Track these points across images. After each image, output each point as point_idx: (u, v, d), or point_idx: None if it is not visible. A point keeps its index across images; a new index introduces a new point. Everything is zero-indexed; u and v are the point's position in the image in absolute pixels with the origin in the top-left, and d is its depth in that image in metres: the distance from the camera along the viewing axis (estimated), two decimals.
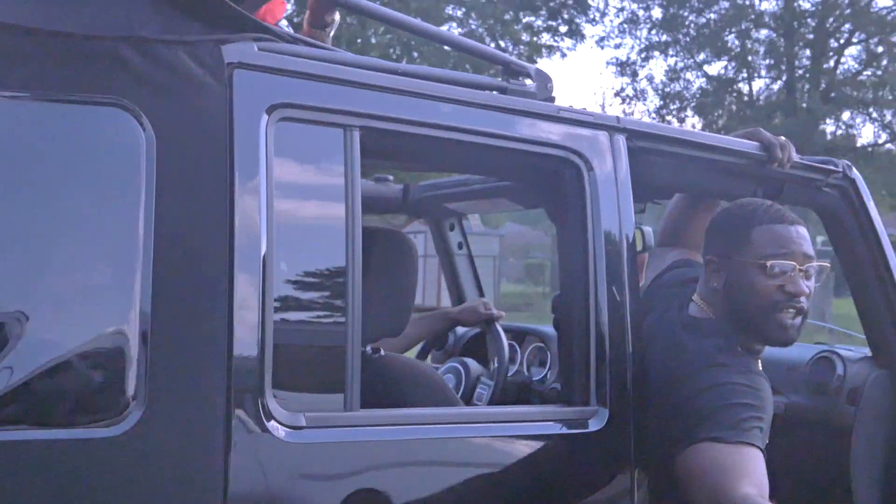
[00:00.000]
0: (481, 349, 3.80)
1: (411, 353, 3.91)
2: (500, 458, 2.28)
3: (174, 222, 1.85)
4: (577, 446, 2.38)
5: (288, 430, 1.93)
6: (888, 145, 27.72)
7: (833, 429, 3.15)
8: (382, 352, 2.55)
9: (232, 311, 1.88)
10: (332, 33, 2.62)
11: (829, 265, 2.63)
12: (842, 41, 27.03)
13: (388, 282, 2.50)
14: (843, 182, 3.02)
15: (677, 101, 28.28)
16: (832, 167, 2.98)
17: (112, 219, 1.84)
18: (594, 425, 2.36)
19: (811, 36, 26.76)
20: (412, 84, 2.18)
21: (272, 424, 1.91)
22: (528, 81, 2.41)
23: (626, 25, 27.99)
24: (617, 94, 29.61)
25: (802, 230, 2.58)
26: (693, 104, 28.10)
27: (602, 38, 29.18)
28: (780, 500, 3.16)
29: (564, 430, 2.37)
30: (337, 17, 2.62)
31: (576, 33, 24.43)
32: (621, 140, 2.51)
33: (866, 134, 29.46)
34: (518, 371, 3.87)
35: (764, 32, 27.35)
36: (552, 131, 2.39)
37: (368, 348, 2.53)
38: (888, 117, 27.07)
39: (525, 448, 2.32)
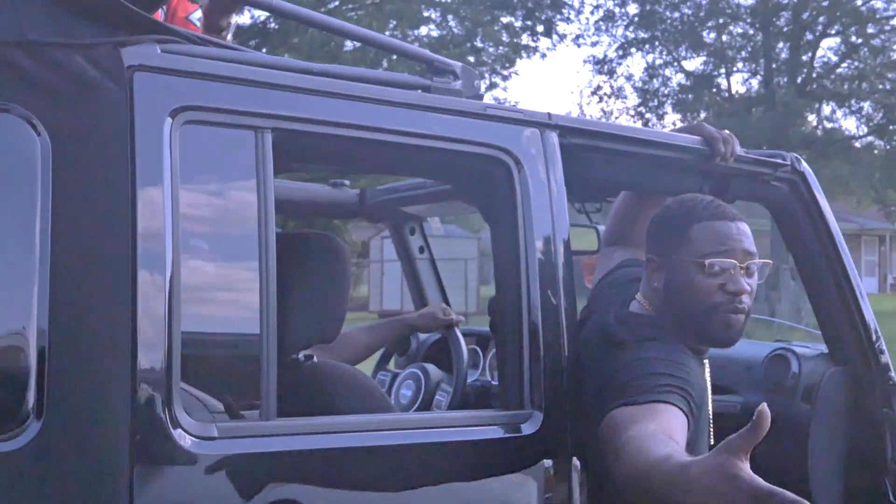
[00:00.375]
0: (444, 354, 3.74)
1: (372, 360, 3.87)
2: (428, 465, 2.22)
3: (72, 230, 1.80)
4: (511, 450, 2.32)
5: (198, 440, 1.88)
6: (868, 138, 27.58)
7: (789, 427, 3.09)
8: (315, 359, 2.50)
9: (135, 320, 1.82)
10: (228, 37, 2.58)
11: (769, 262, 2.56)
12: (817, 33, 27.00)
13: (317, 287, 2.45)
14: (793, 175, 2.96)
15: (656, 99, 28.20)
16: (780, 160, 2.93)
17: (7, 227, 1.79)
18: (528, 429, 2.31)
19: (787, 29, 26.72)
20: (326, 84, 2.13)
21: (180, 435, 1.86)
22: (454, 79, 2.36)
23: (602, 23, 28.00)
24: (594, 93, 29.51)
25: (744, 226, 2.49)
26: (672, 101, 28.04)
27: (578, 37, 29.18)
28: None
29: (497, 435, 2.31)
30: (234, 20, 2.57)
31: (551, 32, 24.53)
32: (553, 137, 2.45)
33: (849, 127, 29.61)
34: (480, 376, 3.82)
35: (740, 28, 27.35)
36: (479, 129, 2.34)
37: (301, 355, 2.47)
38: (868, 110, 27.00)
39: (456, 454, 2.26)
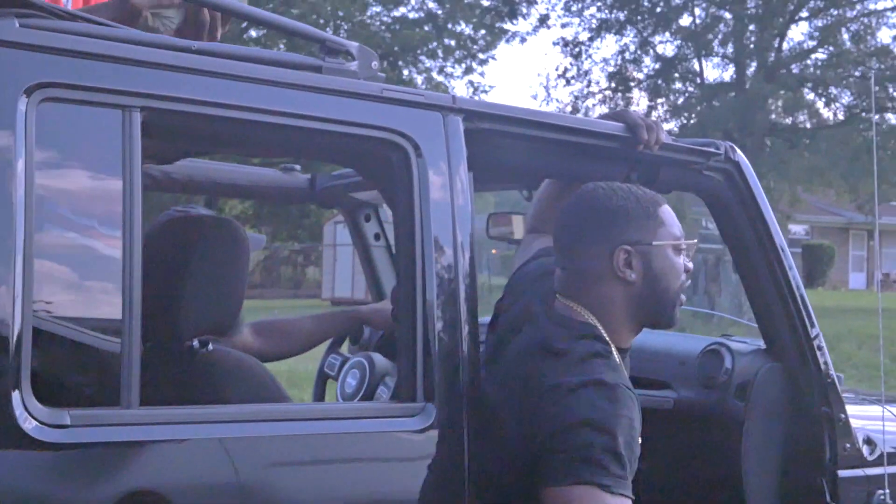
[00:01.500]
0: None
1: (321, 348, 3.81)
2: (310, 457, 2.16)
3: None
4: (401, 444, 2.26)
5: (48, 428, 1.82)
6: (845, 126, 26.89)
7: (722, 424, 3.01)
8: (210, 346, 2.43)
9: None
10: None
11: (695, 241, 2.48)
12: (787, 18, 26.61)
13: (214, 274, 2.39)
14: (727, 165, 2.87)
15: (625, 82, 27.82)
16: (713, 150, 2.84)
17: None
18: (418, 423, 2.24)
19: (757, 11, 26.35)
20: (203, 62, 2.06)
21: (28, 423, 1.80)
22: (350, 60, 2.28)
23: (571, 3, 27.72)
24: (561, 76, 29.16)
25: None
26: (642, 84, 27.67)
27: (545, 18, 28.82)
28: (670, 495, 3.04)
29: (386, 428, 2.25)
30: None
31: (516, 13, 24.54)
32: (457, 122, 2.37)
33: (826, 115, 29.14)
34: None
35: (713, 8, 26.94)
36: (374, 112, 2.26)
37: (195, 342, 2.41)
38: (845, 97, 26.59)
39: (342, 446, 2.20)
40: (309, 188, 3.83)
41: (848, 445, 3.03)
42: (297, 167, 3.88)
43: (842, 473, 3.01)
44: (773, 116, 27.48)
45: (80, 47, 1.92)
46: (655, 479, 2.99)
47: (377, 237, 4.12)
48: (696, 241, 2.43)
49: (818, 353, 2.99)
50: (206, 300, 2.36)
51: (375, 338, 3.89)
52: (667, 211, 2.40)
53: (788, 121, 27.81)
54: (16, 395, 1.79)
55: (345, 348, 3.85)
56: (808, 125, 28.02)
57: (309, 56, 2.28)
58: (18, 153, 1.82)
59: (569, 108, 28.77)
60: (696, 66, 28.32)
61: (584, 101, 29.24)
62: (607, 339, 2.36)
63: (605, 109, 28.47)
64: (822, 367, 2.99)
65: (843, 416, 3.02)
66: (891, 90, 26.11)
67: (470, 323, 2.32)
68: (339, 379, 3.55)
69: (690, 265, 2.41)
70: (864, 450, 3.10)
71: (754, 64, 27.20)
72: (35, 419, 1.80)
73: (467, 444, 2.28)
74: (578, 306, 2.38)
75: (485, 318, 2.64)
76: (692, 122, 27.05)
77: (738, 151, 2.89)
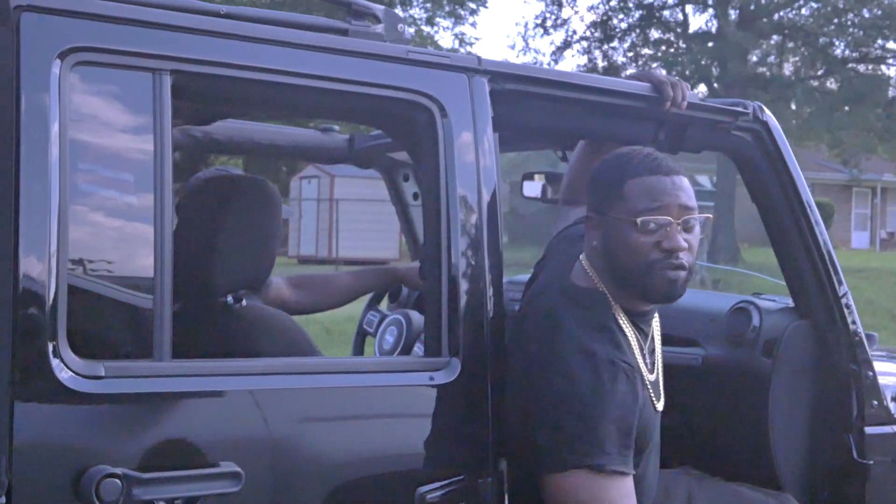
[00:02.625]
0: None
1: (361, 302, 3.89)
2: (337, 409, 2.23)
3: None
4: (427, 398, 2.32)
5: (83, 379, 1.90)
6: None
7: (750, 381, 3.04)
8: (244, 302, 2.51)
9: (17, 258, 1.84)
10: None
11: (709, 216, 2.50)
12: None
13: (247, 231, 2.46)
14: (755, 125, 2.89)
15: (603, 30, 26.99)
16: (741, 109, 2.86)
17: None
18: (445, 377, 2.30)
19: None
20: (232, 26, 2.12)
21: (65, 374, 1.88)
22: (375, 22, 2.33)
23: None
24: (539, 25, 28.52)
25: (680, 180, 2.41)
26: (620, 35, 26.81)
27: None
28: (699, 450, 3.08)
29: (412, 382, 2.31)
30: None
31: None
32: (482, 83, 2.42)
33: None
34: None
35: None
36: (401, 74, 2.32)
37: (229, 297, 2.49)
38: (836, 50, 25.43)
39: (369, 399, 2.27)
40: (348, 148, 3.89)
41: (875, 403, 3.05)
42: (336, 128, 3.95)
43: (869, 430, 3.04)
44: (759, 68, 26.58)
45: (111, 12, 1.99)
46: (684, 435, 3.04)
47: (415, 196, 4.18)
48: (677, 217, 2.36)
49: (846, 311, 3.01)
50: (240, 257, 2.43)
51: (414, 296, 3.96)
52: (640, 184, 2.38)
53: (768, 71, 26.89)
54: (52, 346, 1.87)
55: (383, 306, 3.92)
56: (794, 77, 27.12)
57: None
58: (53, 115, 1.89)
59: (547, 59, 28.36)
60: (680, 16, 27.61)
61: (562, 52, 28.58)
62: (611, 301, 2.42)
63: (584, 60, 27.90)
64: (850, 325, 3.01)
65: (870, 373, 3.04)
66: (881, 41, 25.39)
67: (494, 280, 2.38)
68: (378, 335, 3.64)
69: (669, 245, 2.35)
70: (892, 407, 3.12)
71: (736, 12, 26.41)
72: (70, 370, 1.89)
73: (490, 398, 2.34)
74: (591, 269, 2.47)
75: (520, 276, 2.70)
76: (674, 74, 26.60)
77: (767, 111, 2.91)
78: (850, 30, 25.47)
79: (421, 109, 2.34)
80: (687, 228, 2.39)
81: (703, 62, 26.15)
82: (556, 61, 27.42)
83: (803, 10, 26.20)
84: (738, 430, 3.07)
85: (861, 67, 26.04)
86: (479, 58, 2.44)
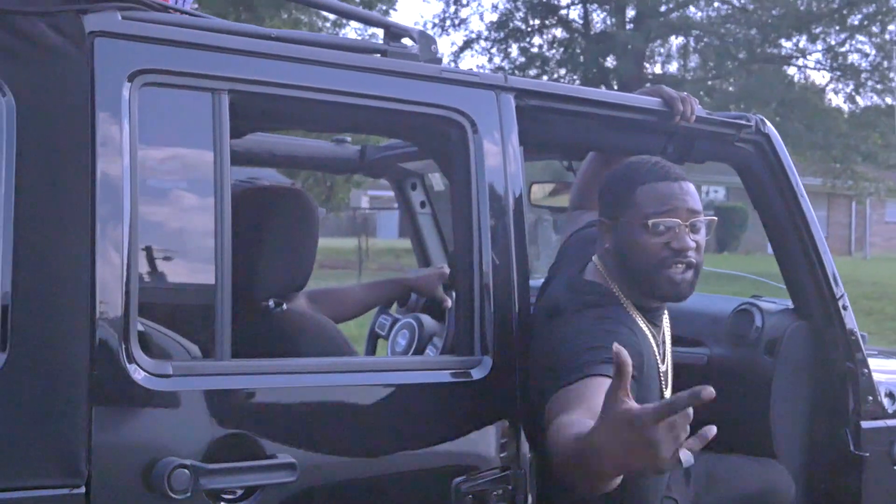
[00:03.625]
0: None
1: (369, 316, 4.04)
2: (379, 405, 2.38)
3: (36, 183, 1.96)
4: (461, 394, 2.47)
5: (153, 377, 2.05)
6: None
7: (752, 380, 3.22)
8: (285, 306, 2.66)
9: (94, 265, 1.98)
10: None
11: (715, 218, 2.68)
12: None
13: (286, 239, 2.61)
14: (757, 136, 3.07)
15: (504, 31, 26.15)
16: (744, 122, 3.04)
17: None
18: (477, 374, 2.46)
19: None
20: (283, 48, 2.28)
21: (137, 373, 2.03)
22: (410, 43, 2.49)
23: None
24: (437, 25, 28.15)
25: (687, 185, 2.60)
26: (521, 35, 25.97)
27: None
28: (704, 449, 3.24)
29: (448, 379, 2.47)
30: None
31: None
32: (509, 99, 2.58)
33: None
34: None
35: None
36: (435, 92, 2.48)
37: (271, 303, 2.64)
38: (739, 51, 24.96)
39: (407, 395, 2.42)
40: (359, 159, 4.05)
41: (870, 398, 3.23)
42: (348, 139, 4.10)
43: (865, 424, 3.21)
44: (655, 67, 26.21)
45: (174, 36, 2.14)
46: (690, 432, 3.20)
47: (423, 205, 4.34)
48: (685, 220, 2.54)
49: (843, 312, 3.18)
50: (281, 262, 2.58)
51: (422, 301, 4.12)
52: (649, 190, 2.56)
53: (663, 71, 26.39)
54: (125, 348, 2.02)
55: (393, 309, 4.07)
56: (691, 77, 26.47)
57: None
58: (124, 132, 2.04)
59: (446, 60, 27.87)
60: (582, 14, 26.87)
61: (462, 52, 28.02)
62: (617, 294, 2.61)
63: (484, 60, 27.50)
64: (847, 325, 3.19)
65: (865, 370, 3.22)
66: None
67: (521, 281, 2.54)
68: (390, 338, 3.79)
69: (678, 244, 2.53)
70: (886, 402, 3.30)
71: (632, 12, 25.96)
72: (143, 370, 2.04)
73: (519, 394, 2.50)
74: (603, 268, 2.66)
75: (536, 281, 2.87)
76: (576, 74, 25.90)
77: (768, 124, 3.09)
78: (747, 30, 25.07)
79: (454, 125, 2.50)
80: (694, 230, 2.59)
81: (604, 63, 25.83)
82: (455, 61, 26.97)
83: (697, 10, 25.79)
84: (742, 424, 3.24)
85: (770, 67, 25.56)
86: (505, 76, 2.60)
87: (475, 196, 2.50)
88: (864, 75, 24.32)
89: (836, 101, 25.62)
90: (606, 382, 2.26)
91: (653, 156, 2.74)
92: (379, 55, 2.44)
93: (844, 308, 3.19)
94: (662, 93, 2.87)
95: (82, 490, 1.95)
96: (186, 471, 2.03)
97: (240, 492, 2.13)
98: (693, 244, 2.57)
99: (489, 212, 2.51)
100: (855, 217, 37.19)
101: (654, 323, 2.67)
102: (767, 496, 3.04)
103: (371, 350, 4.01)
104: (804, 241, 3.15)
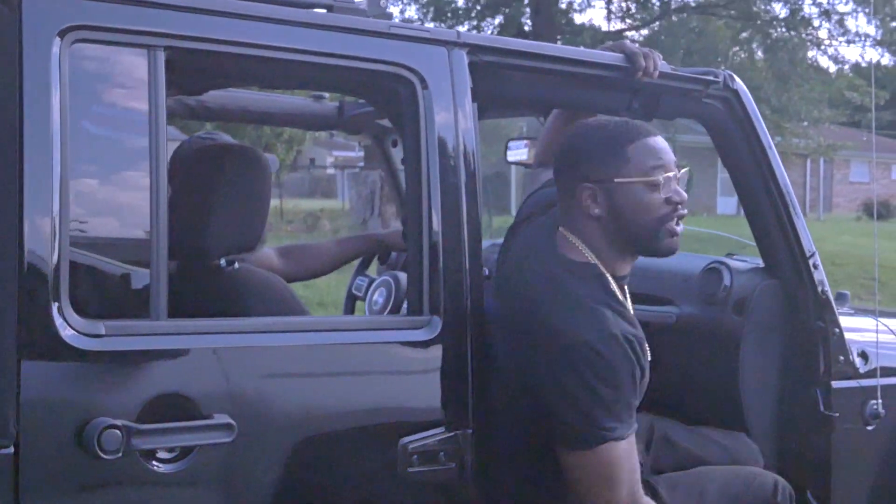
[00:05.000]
0: None
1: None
2: (324, 365, 2.37)
3: None
4: (409, 354, 2.46)
5: (84, 337, 2.03)
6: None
7: (721, 338, 3.19)
8: (237, 265, 2.64)
9: (22, 222, 1.97)
10: None
11: (690, 168, 2.65)
12: None
13: (238, 197, 2.59)
14: (725, 93, 3.01)
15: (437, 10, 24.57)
16: (712, 77, 2.98)
17: None
18: (425, 334, 2.44)
19: None
20: (221, 3, 2.24)
21: (67, 332, 2.01)
22: None
23: None
24: None
25: (663, 140, 2.59)
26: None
27: None
28: (673, 405, 3.23)
29: (395, 339, 2.45)
30: None
31: None
32: (462, 55, 2.54)
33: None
34: None
35: None
36: (384, 48, 2.43)
37: (223, 261, 2.62)
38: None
39: (354, 355, 2.40)
40: (337, 115, 4.01)
41: (842, 358, 3.19)
42: (326, 96, 4.06)
43: (835, 384, 3.18)
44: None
45: None
46: (658, 390, 3.18)
47: (404, 161, 4.30)
48: (676, 171, 2.53)
49: (813, 270, 3.14)
50: (232, 221, 2.56)
51: (402, 259, 4.10)
52: (641, 146, 2.52)
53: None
54: (55, 306, 2.00)
55: (372, 271, 4.06)
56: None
57: None
58: (54, 90, 2.01)
59: None
60: None
61: None
62: (605, 272, 2.55)
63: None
64: (818, 284, 3.14)
65: (837, 330, 3.18)
66: None
67: (473, 241, 2.50)
68: (367, 298, 3.78)
69: (678, 197, 2.52)
70: (859, 362, 3.26)
71: None
72: (73, 328, 2.02)
73: (470, 356, 2.48)
74: (577, 240, 2.57)
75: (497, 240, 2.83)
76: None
77: (737, 79, 3.03)
78: None
79: (403, 81, 2.46)
80: (680, 182, 2.57)
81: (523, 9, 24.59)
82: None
83: None
84: (711, 384, 3.21)
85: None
86: (458, 31, 2.56)
87: (425, 154, 2.47)
88: (780, 28, 23.33)
89: (757, 53, 24.40)
90: (620, 447, 2.39)
91: (618, 115, 2.70)
92: (325, 10, 2.40)
93: (815, 267, 3.14)
94: (625, 48, 2.82)
95: (11, 450, 1.95)
96: (118, 431, 2.02)
97: (175, 452, 2.12)
98: (686, 195, 2.56)
99: (439, 170, 2.47)
100: (810, 176, 36.20)
101: (625, 289, 2.63)
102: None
103: (350, 311, 4.00)
104: (774, 198, 3.10)
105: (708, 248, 4.26)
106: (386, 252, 4.09)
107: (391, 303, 3.67)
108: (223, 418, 2.15)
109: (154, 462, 2.09)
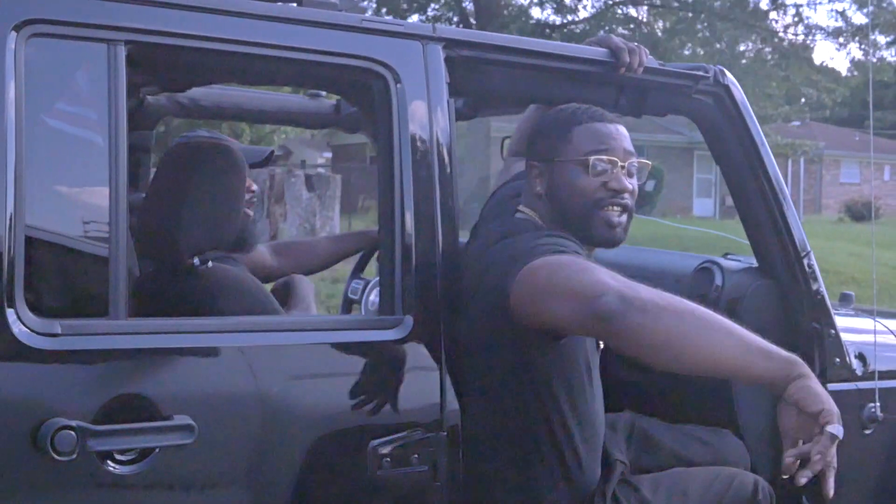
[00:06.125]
0: None
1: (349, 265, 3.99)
2: (290, 366, 2.32)
3: None
4: (380, 353, 2.41)
5: (39, 336, 2.00)
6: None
7: None
8: (210, 264, 2.60)
9: None
10: None
11: (649, 163, 2.61)
12: None
13: (209, 195, 2.55)
14: (716, 88, 2.95)
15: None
16: (701, 73, 2.92)
17: None
18: (397, 334, 2.39)
19: None
20: None
21: (21, 331, 1.98)
22: None
23: None
24: None
25: (623, 129, 2.57)
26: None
27: None
28: (666, 406, 3.17)
29: (367, 338, 2.40)
30: None
31: None
32: (437, 50, 2.49)
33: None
34: None
35: None
36: (355, 42, 2.39)
37: (196, 260, 2.58)
38: None
39: (322, 356, 2.36)
40: (334, 113, 3.98)
41: (838, 360, 3.12)
42: (323, 93, 4.03)
43: (831, 387, 3.09)
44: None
45: None
46: (652, 390, 3.12)
47: (375, 158, 4.26)
48: (623, 160, 2.51)
49: (808, 271, 3.07)
50: (204, 219, 2.52)
51: None
52: (585, 129, 2.53)
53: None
54: (9, 306, 1.97)
55: (368, 274, 4.02)
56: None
57: None
58: (9, 86, 1.98)
59: None
60: None
61: None
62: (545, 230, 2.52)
63: None
64: (813, 284, 3.07)
65: (832, 332, 3.10)
66: None
67: (446, 240, 2.46)
68: (363, 298, 3.74)
69: (616, 185, 2.50)
70: (856, 364, 3.18)
71: None
72: (27, 327, 1.99)
73: (444, 353, 2.43)
74: (535, 215, 2.58)
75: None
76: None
77: (728, 75, 2.96)
78: None
79: (375, 76, 2.42)
80: (629, 174, 2.54)
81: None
82: None
83: None
84: (703, 385, 3.14)
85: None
86: (433, 25, 2.51)
87: (397, 151, 2.42)
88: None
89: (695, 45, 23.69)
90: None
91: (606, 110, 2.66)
92: (295, 4, 2.36)
93: (810, 266, 3.07)
94: (610, 43, 2.76)
95: None
96: (72, 432, 1.98)
97: (134, 454, 2.08)
98: (630, 186, 2.53)
99: (412, 168, 2.42)
100: (791, 176, 35.12)
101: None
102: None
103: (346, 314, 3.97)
104: (767, 196, 3.03)
105: (704, 250, 4.18)
106: (372, 246, 4.04)
107: None
108: (183, 419, 2.11)
109: (111, 463, 2.05)
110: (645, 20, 23.46)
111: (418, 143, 2.44)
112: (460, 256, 2.51)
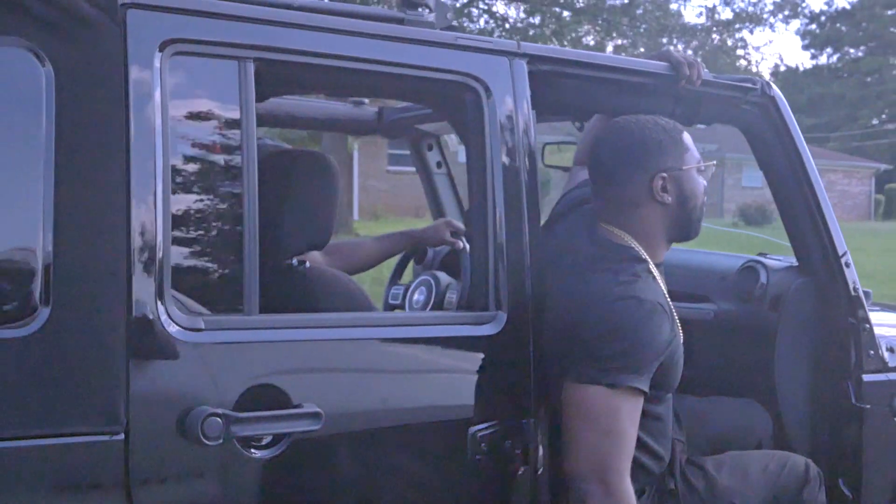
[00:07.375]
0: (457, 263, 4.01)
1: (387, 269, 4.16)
2: (399, 358, 2.51)
3: (74, 147, 2.08)
4: (477, 348, 2.59)
5: (186, 331, 2.17)
6: None
7: (757, 334, 3.33)
8: (308, 264, 2.78)
9: (130, 226, 2.11)
10: None
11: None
12: None
13: (307, 200, 2.73)
14: (762, 99, 3.16)
15: None
16: (749, 85, 3.13)
17: (17, 144, 2.07)
18: (492, 329, 2.58)
19: None
20: (305, 18, 2.38)
21: (172, 327, 2.15)
22: (427, 11, 2.60)
23: None
24: None
25: None
26: None
27: None
28: (702, 384, 3.39)
29: (465, 333, 2.59)
30: None
31: None
32: (522, 65, 2.68)
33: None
34: None
35: None
36: (451, 58, 2.58)
37: (294, 261, 2.76)
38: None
39: (425, 349, 2.55)
40: (377, 120, 4.16)
41: (872, 352, 3.34)
42: (366, 101, 4.21)
43: (866, 377, 3.32)
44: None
45: (202, 7, 2.25)
46: (697, 383, 3.33)
47: (439, 165, 4.46)
48: (714, 161, 2.78)
49: (846, 269, 3.29)
50: (303, 222, 2.70)
51: (439, 259, 4.24)
52: (687, 139, 2.75)
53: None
54: (160, 304, 2.14)
55: (405, 279, 4.19)
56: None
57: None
58: (156, 99, 2.16)
59: None
60: None
61: None
62: (646, 257, 2.71)
63: None
64: (850, 282, 3.29)
65: (867, 325, 3.32)
66: None
67: (534, 239, 2.65)
68: (407, 297, 3.91)
69: (705, 183, 2.77)
70: (887, 356, 3.41)
71: None
72: (176, 324, 2.16)
73: (532, 348, 2.62)
74: (619, 230, 2.74)
75: None
76: None
77: (774, 87, 3.18)
78: None
79: (468, 90, 2.61)
80: None
81: None
82: None
83: None
84: (748, 377, 3.36)
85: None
86: (518, 42, 2.70)
87: (489, 158, 2.61)
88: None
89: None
90: (611, 395, 2.49)
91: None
92: (397, 24, 2.54)
93: (847, 265, 3.29)
94: (670, 57, 2.97)
95: (122, 437, 2.09)
96: (219, 419, 2.15)
97: (268, 439, 2.26)
98: None
99: (502, 173, 2.61)
100: None
101: (661, 272, 2.79)
102: (743, 431, 3.20)
103: None
104: (808, 200, 3.25)
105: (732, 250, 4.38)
106: (422, 251, 4.22)
107: (432, 300, 3.81)
108: (312, 407, 2.28)
109: (250, 448, 2.23)
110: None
111: (507, 151, 2.63)
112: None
